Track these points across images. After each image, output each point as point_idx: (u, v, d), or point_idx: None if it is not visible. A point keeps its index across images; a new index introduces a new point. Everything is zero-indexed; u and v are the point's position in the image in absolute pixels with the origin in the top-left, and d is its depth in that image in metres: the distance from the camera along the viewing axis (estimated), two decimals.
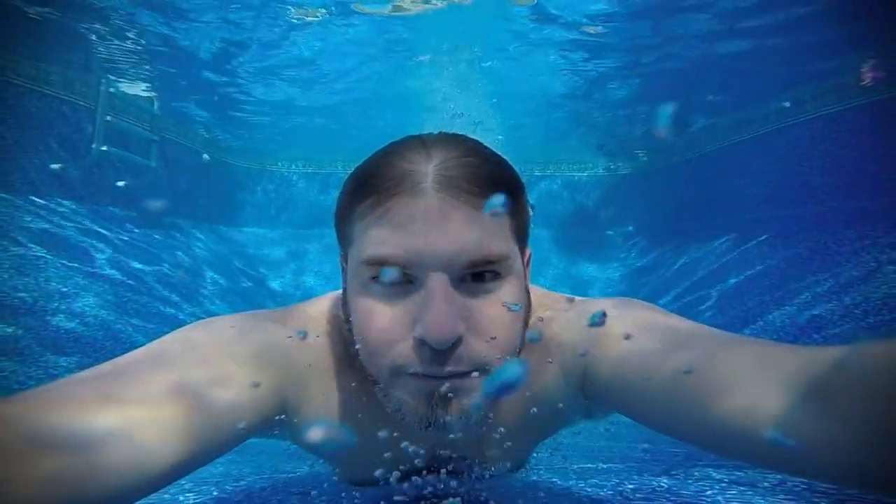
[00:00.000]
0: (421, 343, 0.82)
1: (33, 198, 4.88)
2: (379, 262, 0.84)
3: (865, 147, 4.90)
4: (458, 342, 0.82)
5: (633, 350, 0.89)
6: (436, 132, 0.95)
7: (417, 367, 0.83)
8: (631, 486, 1.47)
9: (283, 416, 0.99)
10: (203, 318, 1.02)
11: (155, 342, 0.89)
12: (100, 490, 0.62)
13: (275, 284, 8.03)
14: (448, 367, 0.82)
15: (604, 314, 0.92)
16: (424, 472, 1.07)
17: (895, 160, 4.59)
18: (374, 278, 0.85)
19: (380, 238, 0.84)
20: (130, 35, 5.16)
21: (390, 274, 0.83)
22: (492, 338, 0.85)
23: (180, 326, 0.96)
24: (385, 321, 0.85)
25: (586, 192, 9.49)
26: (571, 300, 1.11)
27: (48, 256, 4.36)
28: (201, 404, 0.78)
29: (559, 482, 1.51)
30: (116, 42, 5.26)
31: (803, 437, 0.61)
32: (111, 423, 0.65)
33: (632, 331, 0.91)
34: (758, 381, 0.69)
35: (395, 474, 1.04)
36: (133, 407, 0.70)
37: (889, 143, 4.64)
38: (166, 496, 1.39)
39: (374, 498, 1.16)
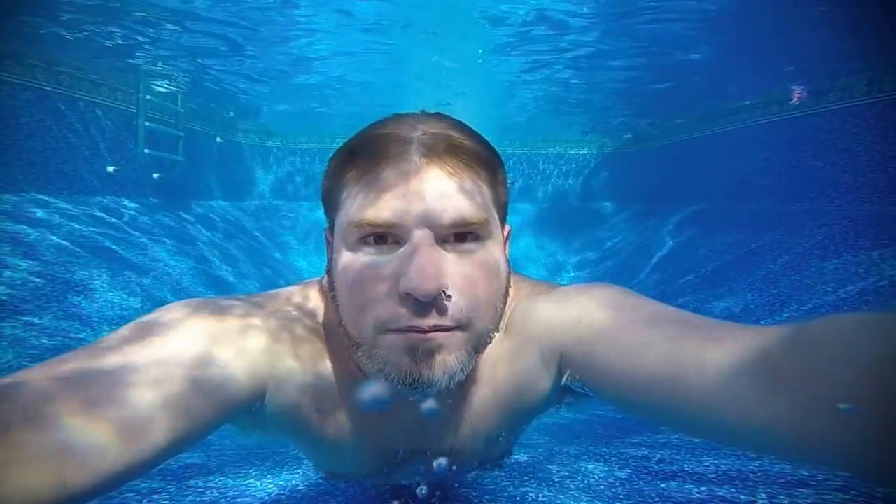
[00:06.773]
0: (405, 297, 0.83)
1: (99, 198, 5.76)
2: (366, 224, 0.87)
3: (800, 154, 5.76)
4: (441, 295, 0.83)
5: (605, 333, 0.91)
6: (419, 111, 1.00)
7: (401, 321, 0.84)
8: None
9: (261, 403, 0.98)
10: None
11: (130, 324, 0.88)
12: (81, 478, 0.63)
13: None
14: (431, 321, 0.84)
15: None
16: (405, 462, 1.12)
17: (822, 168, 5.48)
18: (361, 239, 0.88)
19: (366, 201, 0.87)
20: (158, 43, 5.67)
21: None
22: (472, 296, 0.87)
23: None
24: (370, 279, 0.87)
25: (571, 170, 9.95)
26: (553, 286, 1.14)
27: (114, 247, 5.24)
28: (185, 384, 0.77)
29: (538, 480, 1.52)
30: (147, 51, 5.88)
31: (760, 416, 0.62)
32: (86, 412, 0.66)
33: (605, 314, 0.94)
34: (718, 361, 0.70)
35: (371, 464, 1.10)
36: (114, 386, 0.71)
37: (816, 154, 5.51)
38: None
39: (352, 491, 1.20)
